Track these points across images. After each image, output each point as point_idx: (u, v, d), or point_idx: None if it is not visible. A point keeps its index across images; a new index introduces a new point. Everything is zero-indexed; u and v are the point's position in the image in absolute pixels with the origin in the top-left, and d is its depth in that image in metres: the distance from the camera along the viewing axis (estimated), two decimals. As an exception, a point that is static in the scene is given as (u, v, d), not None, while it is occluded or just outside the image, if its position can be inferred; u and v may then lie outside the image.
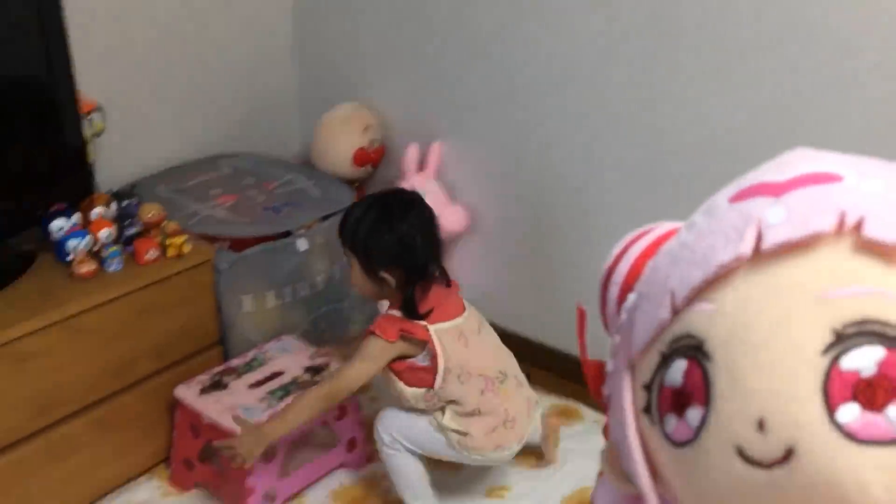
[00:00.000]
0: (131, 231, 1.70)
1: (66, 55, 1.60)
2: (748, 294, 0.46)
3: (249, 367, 1.75)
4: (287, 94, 2.41)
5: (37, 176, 1.65)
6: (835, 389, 0.42)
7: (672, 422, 0.49)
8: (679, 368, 0.48)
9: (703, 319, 0.47)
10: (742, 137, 1.62)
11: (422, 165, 2.13)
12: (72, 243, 1.60)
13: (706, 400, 0.46)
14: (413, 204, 1.53)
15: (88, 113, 1.77)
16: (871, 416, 0.42)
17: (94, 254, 1.63)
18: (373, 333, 1.49)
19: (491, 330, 1.64)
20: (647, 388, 0.51)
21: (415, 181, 2.10)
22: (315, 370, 1.73)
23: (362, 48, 2.24)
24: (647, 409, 0.51)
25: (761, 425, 0.44)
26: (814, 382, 0.43)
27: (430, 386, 1.50)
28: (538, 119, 1.93)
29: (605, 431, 0.60)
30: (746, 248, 0.46)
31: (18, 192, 1.63)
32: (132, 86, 2.03)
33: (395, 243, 1.48)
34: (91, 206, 1.67)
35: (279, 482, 1.66)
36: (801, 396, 0.43)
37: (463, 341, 1.53)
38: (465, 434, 1.52)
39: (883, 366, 0.42)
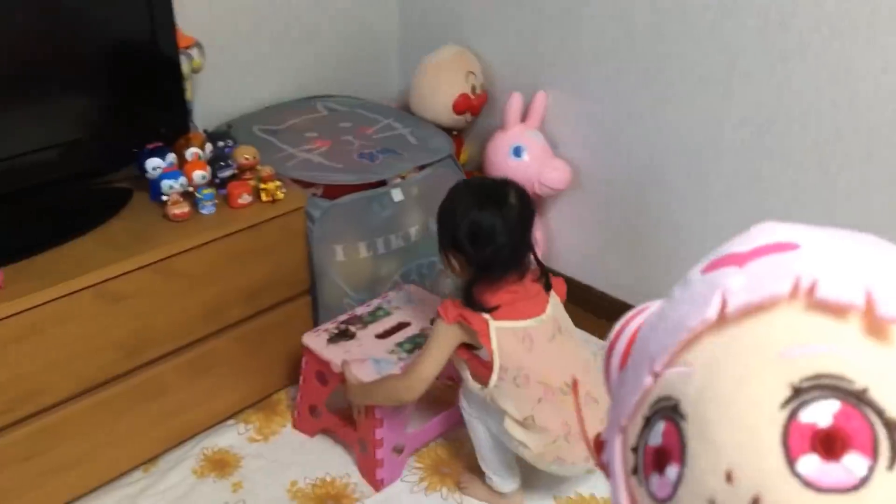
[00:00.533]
0: (225, 173, 1.66)
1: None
2: (715, 355, 0.49)
3: (374, 316, 1.73)
4: (387, 35, 2.32)
5: (135, 111, 1.62)
6: (794, 442, 0.45)
7: (655, 480, 0.52)
8: (659, 429, 0.52)
9: (677, 381, 0.51)
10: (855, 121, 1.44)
11: (525, 115, 2.02)
12: (166, 183, 1.56)
13: (681, 457, 0.49)
14: (503, 197, 1.42)
15: (187, 48, 1.73)
16: (829, 466, 0.44)
17: (188, 195, 1.60)
18: (437, 315, 1.45)
19: (572, 338, 1.52)
20: (635, 450, 0.54)
21: (517, 131, 1.99)
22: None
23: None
24: (635, 471, 0.55)
25: (729, 477, 0.47)
26: (774, 435, 0.45)
27: (486, 384, 1.43)
28: (654, 71, 1.78)
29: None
30: (712, 313, 0.50)
31: (117, 128, 1.60)
32: (230, 22, 1.97)
33: (461, 229, 1.41)
34: (187, 146, 1.63)
35: (407, 436, 1.65)
36: (763, 449, 0.45)
37: (527, 345, 1.43)
38: (521, 443, 1.44)
39: (838, 418, 0.44)
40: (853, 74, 1.49)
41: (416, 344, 1.62)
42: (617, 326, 0.66)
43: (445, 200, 1.47)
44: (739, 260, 0.52)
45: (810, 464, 0.45)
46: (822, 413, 0.45)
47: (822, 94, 1.54)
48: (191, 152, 1.61)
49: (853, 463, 0.44)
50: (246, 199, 1.63)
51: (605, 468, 0.63)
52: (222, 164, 1.66)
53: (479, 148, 2.16)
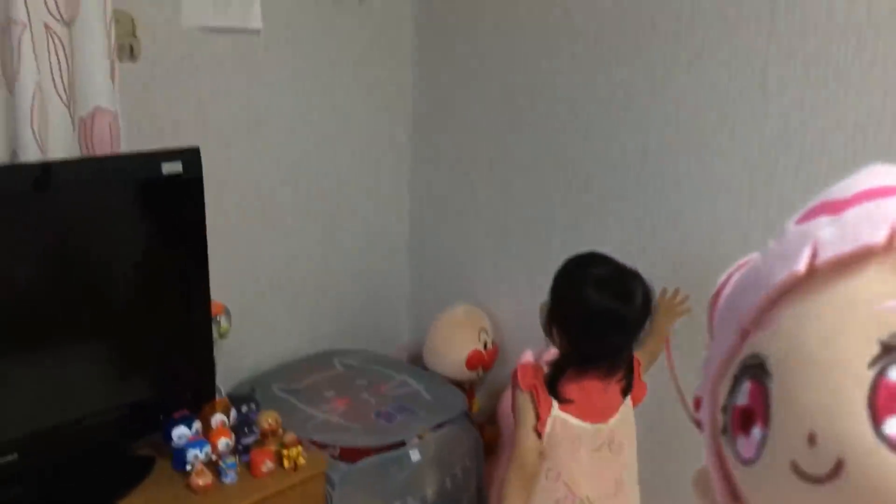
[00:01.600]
0: (249, 440, 1.67)
1: (205, 267, 1.65)
2: (802, 311, 0.46)
3: None
4: (400, 293, 2.43)
5: (164, 380, 1.66)
6: (881, 402, 0.42)
7: (741, 441, 0.50)
8: (745, 389, 0.49)
9: (764, 340, 0.48)
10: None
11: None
12: (191, 453, 1.57)
13: (766, 418, 0.47)
14: (631, 294, 1.39)
15: (217, 315, 1.81)
16: None
17: (211, 462, 1.60)
18: (515, 378, 1.47)
19: (619, 454, 1.49)
20: (724, 410, 0.52)
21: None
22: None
23: (475, 250, 2.26)
24: (724, 430, 0.52)
25: (812, 440, 0.44)
26: (860, 396, 0.42)
27: None
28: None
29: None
30: (800, 266, 0.46)
31: (145, 396, 1.64)
32: (251, 285, 2.08)
33: (577, 312, 1.42)
34: (212, 412, 1.66)
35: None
36: (848, 410, 0.43)
37: (574, 446, 1.44)
38: None
39: None
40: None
41: None
42: (720, 281, 0.61)
43: (569, 272, 1.45)
44: (835, 208, 0.48)
45: None
46: None
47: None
48: (216, 419, 1.64)
49: None
50: (269, 466, 1.63)
51: (700, 425, 0.59)
52: (246, 429, 1.68)
53: (490, 399, 2.20)
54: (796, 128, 1.61)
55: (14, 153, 1.49)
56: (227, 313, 1.85)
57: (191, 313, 1.66)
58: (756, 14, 1.64)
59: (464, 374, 2.15)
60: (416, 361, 2.29)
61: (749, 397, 0.49)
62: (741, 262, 0.60)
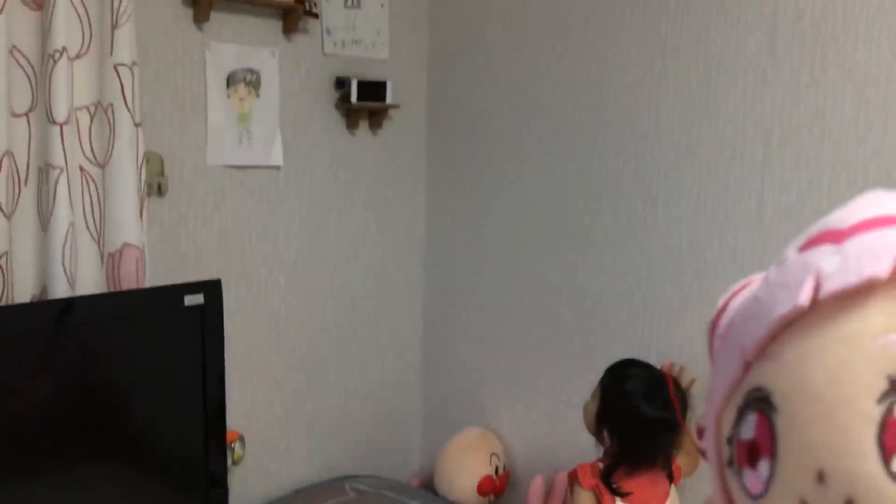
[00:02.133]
0: (260, 571, 1.67)
1: (223, 393, 1.69)
2: (807, 345, 0.45)
3: None
4: (413, 418, 2.45)
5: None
6: (890, 440, 0.41)
7: (748, 475, 0.49)
8: (751, 422, 0.48)
9: (768, 372, 0.47)
10: None
11: (548, 498, 2.07)
12: (202, 585, 1.57)
13: (773, 452, 0.46)
14: (668, 394, 1.60)
15: (231, 442, 1.83)
16: None
17: None
18: (575, 476, 1.61)
19: None
20: (729, 441, 0.51)
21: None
22: None
23: (487, 375, 2.29)
24: (730, 463, 0.51)
25: (821, 478, 0.43)
26: (870, 433, 0.42)
27: None
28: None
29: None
30: (804, 298, 0.45)
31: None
32: (268, 411, 2.11)
33: (627, 415, 1.59)
34: (224, 543, 1.66)
35: None
36: (857, 448, 0.42)
37: None
38: None
39: None
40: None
41: None
42: (719, 305, 0.60)
43: (617, 382, 1.63)
44: (837, 237, 0.47)
45: None
46: None
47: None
48: (228, 550, 1.64)
49: None
50: None
51: (704, 454, 0.58)
52: (257, 560, 1.68)
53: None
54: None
55: (44, 288, 1.56)
56: (242, 440, 1.88)
57: (207, 441, 1.69)
58: None
59: (475, 499, 2.14)
60: (429, 487, 2.28)
61: (755, 431, 0.48)
62: (738, 285, 0.60)
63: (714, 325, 0.60)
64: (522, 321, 2.21)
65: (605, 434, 1.64)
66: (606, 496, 1.59)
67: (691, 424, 1.65)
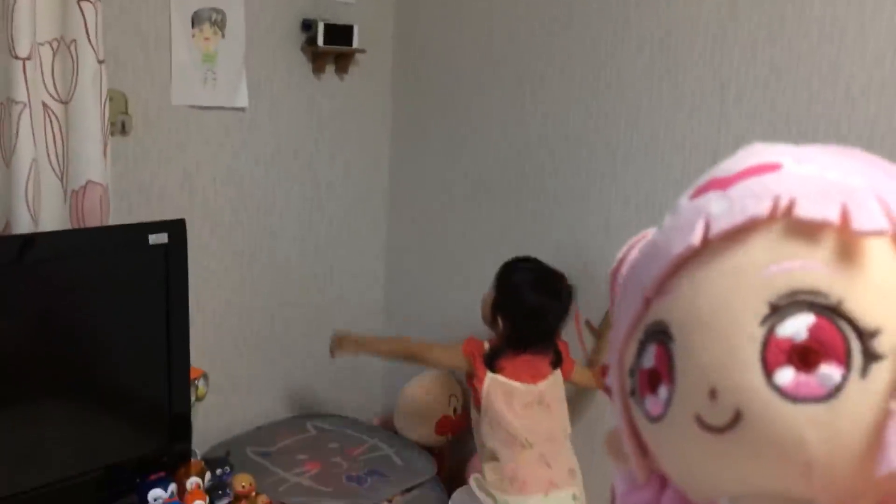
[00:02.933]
0: (223, 502, 1.72)
1: (186, 331, 1.72)
2: (698, 279, 0.51)
3: None
4: (374, 360, 2.50)
5: (141, 442, 1.71)
6: (772, 355, 0.46)
7: (649, 400, 0.54)
8: (651, 352, 0.53)
9: (666, 306, 0.53)
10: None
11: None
12: (166, 515, 1.62)
13: (671, 377, 0.51)
14: (556, 292, 1.80)
15: (195, 379, 1.87)
16: (805, 377, 0.46)
17: (185, 524, 1.65)
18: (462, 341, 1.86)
19: (548, 412, 1.81)
20: (631, 373, 0.56)
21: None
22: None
23: (448, 318, 2.34)
24: (632, 393, 0.56)
25: (713, 394, 0.48)
26: (753, 351, 0.47)
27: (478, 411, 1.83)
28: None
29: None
30: (696, 238, 0.51)
31: (123, 457, 1.68)
32: (233, 351, 2.15)
33: (519, 303, 1.80)
34: (187, 475, 1.71)
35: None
36: (742, 365, 0.47)
37: (506, 401, 1.78)
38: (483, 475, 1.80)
39: (813, 330, 0.46)
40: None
41: None
42: (619, 256, 0.66)
43: (509, 273, 1.84)
44: (723, 184, 0.53)
45: (787, 375, 0.46)
46: (798, 327, 0.47)
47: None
48: (192, 482, 1.69)
49: (827, 373, 0.46)
50: (241, 528, 1.69)
51: (609, 391, 0.63)
52: (220, 492, 1.73)
53: (459, 463, 2.25)
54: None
55: (7, 224, 1.57)
56: (206, 377, 1.91)
57: (171, 379, 1.72)
58: None
59: (434, 439, 2.21)
60: (389, 427, 2.35)
61: (655, 359, 0.53)
62: (638, 236, 0.65)
63: (614, 274, 0.65)
64: (484, 268, 2.25)
65: (498, 321, 1.82)
66: (480, 368, 1.80)
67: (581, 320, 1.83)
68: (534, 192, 2.12)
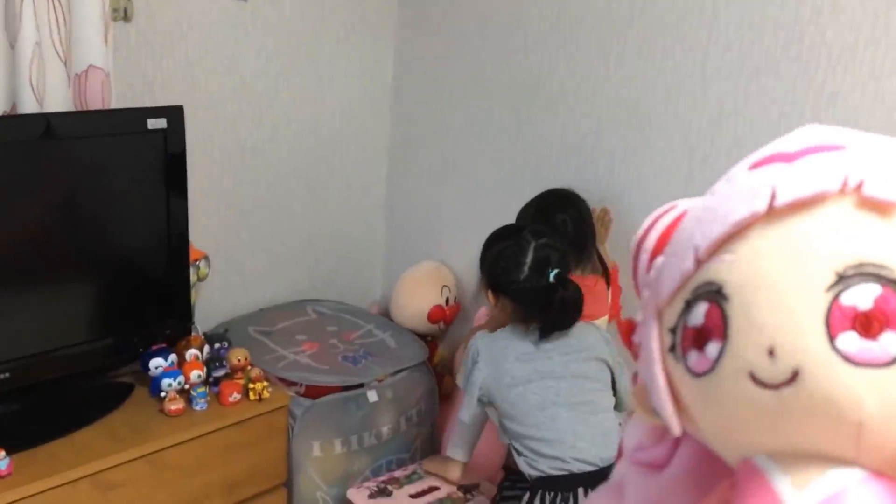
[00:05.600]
0: (219, 373, 1.85)
1: (185, 214, 1.81)
2: (763, 245, 0.53)
3: (409, 479, 1.96)
4: (375, 249, 2.60)
5: (144, 315, 1.83)
6: (835, 321, 0.49)
7: (693, 356, 0.56)
8: (701, 310, 0.55)
9: (722, 268, 0.54)
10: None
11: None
12: (165, 381, 1.75)
13: (724, 334, 0.53)
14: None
15: (196, 260, 1.97)
16: (867, 343, 0.48)
17: (184, 391, 1.78)
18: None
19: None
20: (673, 330, 0.58)
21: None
22: (467, 489, 1.91)
23: (445, 212, 2.42)
24: (672, 349, 0.59)
25: (771, 352, 0.50)
26: (817, 315, 0.49)
27: None
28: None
29: (635, 377, 0.69)
30: (761, 205, 0.53)
31: (127, 329, 1.81)
32: (235, 235, 2.24)
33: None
34: (187, 347, 1.83)
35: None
36: (806, 327, 0.50)
37: None
38: None
39: (879, 301, 0.48)
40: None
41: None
42: (645, 225, 0.69)
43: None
44: (788, 158, 0.55)
45: (850, 340, 0.49)
46: (863, 296, 0.49)
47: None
48: (190, 353, 1.82)
49: (890, 341, 0.48)
50: (236, 397, 1.81)
51: (634, 349, 0.67)
52: (217, 364, 1.86)
53: (451, 352, 2.37)
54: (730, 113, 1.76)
55: (13, 106, 1.65)
56: (207, 259, 2.01)
57: (171, 259, 1.82)
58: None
59: (426, 327, 2.32)
60: (386, 314, 2.46)
61: (706, 317, 0.55)
62: (663, 208, 0.69)
63: (640, 241, 0.68)
64: (480, 166, 2.31)
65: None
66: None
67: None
68: (530, 92, 2.14)
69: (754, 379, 0.52)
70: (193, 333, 1.93)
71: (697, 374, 0.56)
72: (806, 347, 0.50)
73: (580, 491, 1.55)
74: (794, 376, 0.50)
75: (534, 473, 1.59)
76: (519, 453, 1.62)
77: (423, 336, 2.32)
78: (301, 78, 2.29)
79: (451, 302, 2.35)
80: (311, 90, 2.32)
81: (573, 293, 1.58)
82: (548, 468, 1.57)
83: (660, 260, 0.64)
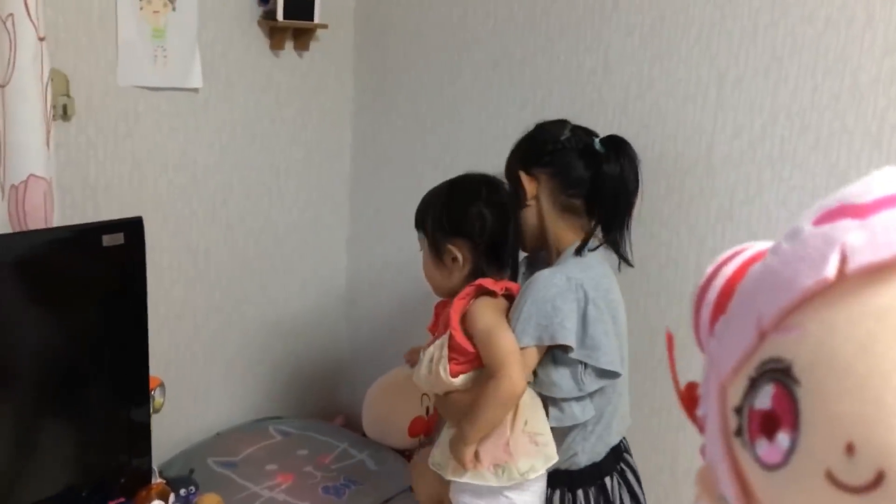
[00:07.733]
0: (190, 527, 1.58)
1: (145, 343, 1.55)
2: (833, 318, 0.46)
3: None
4: (337, 350, 2.37)
5: (97, 465, 1.55)
6: None
7: (763, 445, 0.49)
8: (767, 392, 0.48)
9: (789, 344, 0.48)
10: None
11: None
12: (130, 547, 1.47)
13: (795, 424, 0.46)
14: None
15: (152, 390, 1.70)
16: None
17: (150, 554, 1.50)
18: (464, 310, 1.54)
19: None
20: (738, 411, 0.51)
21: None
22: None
23: (413, 313, 2.23)
24: (738, 433, 0.51)
25: (850, 449, 0.43)
26: None
27: None
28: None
29: (703, 451, 0.60)
30: (830, 271, 0.46)
31: (77, 481, 1.52)
32: (188, 355, 1.99)
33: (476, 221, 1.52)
34: (148, 498, 1.56)
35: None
36: (890, 421, 0.42)
37: None
38: None
39: None
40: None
41: None
42: (707, 272, 0.60)
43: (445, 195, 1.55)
44: (859, 212, 0.47)
45: None
46: None
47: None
48: (155, 508, 1.54)
49: None
50: (214, 555, 1.55)
51: (698, 422, 0.58)
52: (186, 515, 1.58)
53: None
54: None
55: (-62, 226, 1.37)
56: (162, 387, 1.74)
57: (130, 394, 1.56)
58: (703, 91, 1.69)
59: (407, 442, 2.10)
60: (353, 423, 2.23)
61: (773, 401, 0.48)
62: (730, 251, 0.60)
63: (702, 292, 0.60)
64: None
65: (457, 253, 1.56)
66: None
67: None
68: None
69: (832, 480, 0.44)
70: (153, 478, 1.64)
71: (768, 467, 0.48)
72: (891, 445, 0.42)
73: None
74: (879, 479, 0.43)
75: (584, 462, 1.41)
76: (585, 438, 1.41)
77: (401, 452, 2.10)
78: (256, 171, 2.08)
79: (431, 411, 2.14)
80: (266, 183, 2.11)
81: None
82: (603, 449, 1.42)
83: (721, 324, 0.56)
